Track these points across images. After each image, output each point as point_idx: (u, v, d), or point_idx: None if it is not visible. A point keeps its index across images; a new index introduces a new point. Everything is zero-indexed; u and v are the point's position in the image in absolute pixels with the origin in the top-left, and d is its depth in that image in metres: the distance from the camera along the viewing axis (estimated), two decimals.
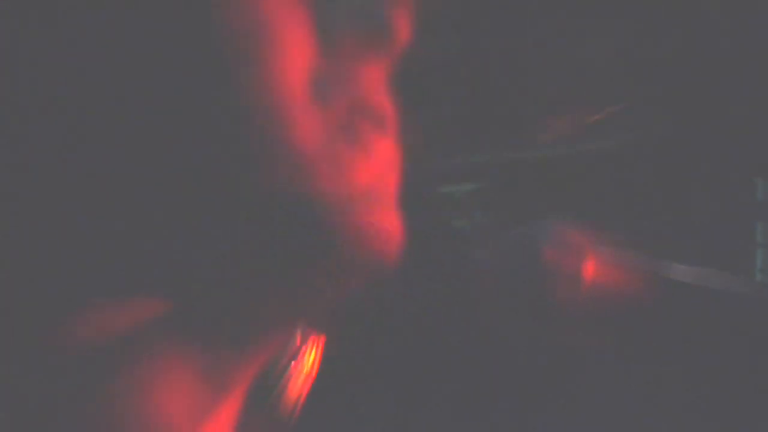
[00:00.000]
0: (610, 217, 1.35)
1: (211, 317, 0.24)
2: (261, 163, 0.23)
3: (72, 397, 0.24)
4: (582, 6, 1.42)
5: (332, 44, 0.25)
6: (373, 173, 0.25)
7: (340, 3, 0.25)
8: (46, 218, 0.22)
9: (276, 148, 0.23)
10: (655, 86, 1.53)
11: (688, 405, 1.28)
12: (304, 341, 1.19)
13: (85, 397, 0.24)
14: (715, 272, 1.41)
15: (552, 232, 1.25)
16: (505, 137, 1.46)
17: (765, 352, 1.35)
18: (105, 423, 0.25)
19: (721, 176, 1.53)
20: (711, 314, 1.31)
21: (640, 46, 1.54)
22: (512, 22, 1.38)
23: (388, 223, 0.26)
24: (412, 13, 0.29)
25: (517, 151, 1.49)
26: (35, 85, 0.22)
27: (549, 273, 1.23)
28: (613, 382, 1.28)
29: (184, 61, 0.22)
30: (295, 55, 0.24)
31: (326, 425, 1.17)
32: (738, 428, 1.30)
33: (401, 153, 0.28)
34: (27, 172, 0.22)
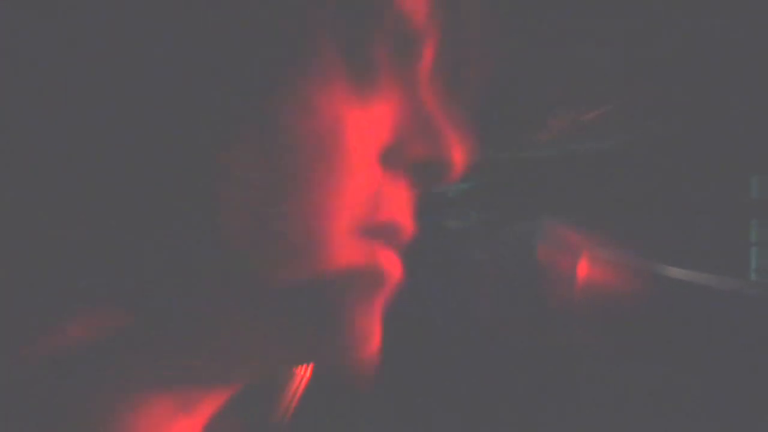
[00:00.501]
0: (606, 217, 1.35)
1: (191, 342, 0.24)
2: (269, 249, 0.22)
3: (43, 407, 0.24)
4: (579, 5, 1.42)
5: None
6: (370, 288, 0.25)
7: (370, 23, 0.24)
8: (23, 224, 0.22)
9: (291, 245, 0.22)
10: (650, 85, 1.53)
11: (684, 403, 1.29)
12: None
13: (54, 410, 0.24)
14: (709, 271, 1.41)
15: (547, 231, 1.25)
16: (501, 136, 1.46)
17: (760, 351, 1.36)
18: None
19: (716, 174, 1.53)
20: (705, 313, 1.31)
21: (635, 45, 1.54)
22: (508, 22, 1.37)
23: (385, 260, 0.26)
24: (439, 29, 0.28)
25: (513, 151, 1.49)
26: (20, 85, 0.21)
27: (544, 272, 1.23)
28: (609, 381, 1.29)
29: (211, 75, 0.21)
30: (324, 83, 0.23)
31: (323, 424, 1.18)
32: (735, 427, 1.30)
33: (410, 201, 0.27)
34: None
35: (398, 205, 0.26)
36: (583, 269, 1.21)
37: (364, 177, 0.24)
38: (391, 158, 0.25)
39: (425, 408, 1.31)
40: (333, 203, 0.23)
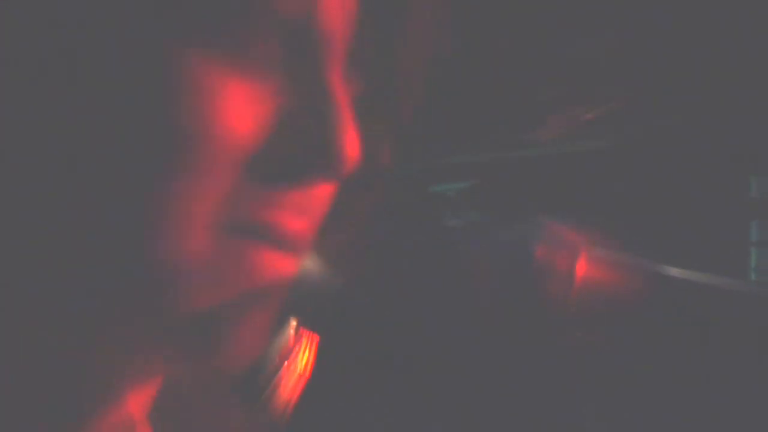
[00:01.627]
0: (604, 216, 1.35)
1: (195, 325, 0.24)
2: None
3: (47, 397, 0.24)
4: (578, 3, 1.42)
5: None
6: (250, 292, 0.24)
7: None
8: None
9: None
10: (650, 85, 1.53)
11: (682, 402, 1.28)
12: (297, 341, 1.19)
13: (60, 399, 0.24)
14: (709, 271, 1.41)
15: (545, 230, 1.25)
16: (499, 136, 1.46)
17: (759, 350, 1.35)
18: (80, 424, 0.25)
19: (715, 174, 1.53)
20: (705, 313, 1.31)
21: (635, 44, 1.54)
22: (505, 20, 1.37)
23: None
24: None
25: (511, 150, 1.49)
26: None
27: (542, 271, 1.23)
28: (606, 379, 1.28)
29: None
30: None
31: (320, 424, 1.17)
32: (734, 426, 1.30)
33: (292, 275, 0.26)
34: None
35: (277, 205, 0.25)
36: (581, 268, 1.21)
37: (235, 173, 0.24)
38: (261, 160, 0.24)
39: (421, 407, 1.31)
40: (199, 194, 0.23)
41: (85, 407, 0.27)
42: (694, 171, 1.50)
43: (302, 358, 1.18)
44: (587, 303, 1.20)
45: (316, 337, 1.18)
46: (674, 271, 1.32)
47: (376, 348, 1.33)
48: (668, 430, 1.32)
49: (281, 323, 1.07)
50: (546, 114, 1.55)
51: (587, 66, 1.49)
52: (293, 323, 1.18)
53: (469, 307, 1.26)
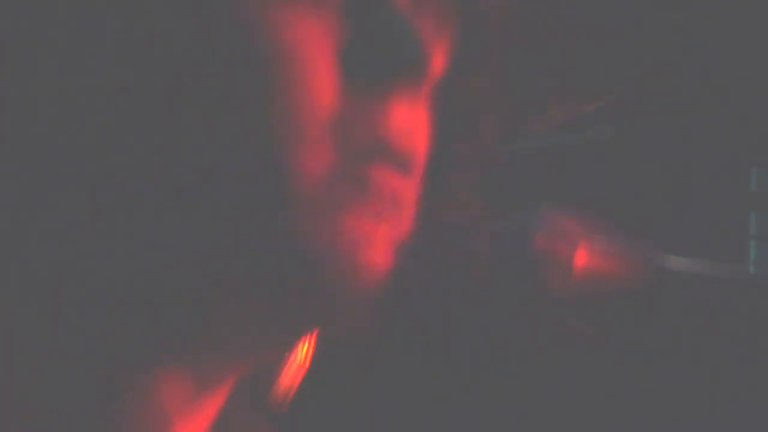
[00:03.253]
0: (605, 206, 1.35)
1: (204, 318, 0.24)
2: (266, 182, 0.22)
3: (66, 395, 0.23)
4: None
5: (361, 75, 0.23)
6: (374, 213, 0.24)
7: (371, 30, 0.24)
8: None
9: (283, 173, 0.22)
10: (650, 77, 1.53)
11: (681, 392, 1.29)
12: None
13: (79, 394, 0.24)
14: (708, 263, 1.41)
15: (545, 220, 1.25)
16: (500, 127, 1.46)
17: (758, 343, 1.36)
18: (96, 420, 0.24)
19: (716, 167, 1.53)
20: (704, 305, 1.31)
21: (635, 36, 1.54)
22: (504, 10, 1.36)
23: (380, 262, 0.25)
24: (450, 44, 0.27)
25: (512, 141, 1.49)
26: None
27: (542, 261, 1.23)
28: (606, 370, 1.29)
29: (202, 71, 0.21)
30: (318, 84, 0.22)
31: (320, 416, 1.17)
32: (732, 419, 1.30)
33: (414, 195, 0.26)
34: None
35: (384, 118, 0.25)
36: (581, 258, 1.21)
37: (334, 91, 0.24)
38: (358, 72, 0.25)
39: (418, 398, 1.31)
40: (306, 121, 0.23)
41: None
42: (695, 163, 1.50)
43: (302, 349, 1.19)
44: (587, 293, 1.21)
45: (317, 330, 1.19)
46: (674, 262, 1.32)
47: (377, 339, 1.33)
48: (666, 419, 1.33)
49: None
50: (547, 105, 1.55)
51: (589, 57, 1.49)
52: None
53: (470, 297, 1.26)
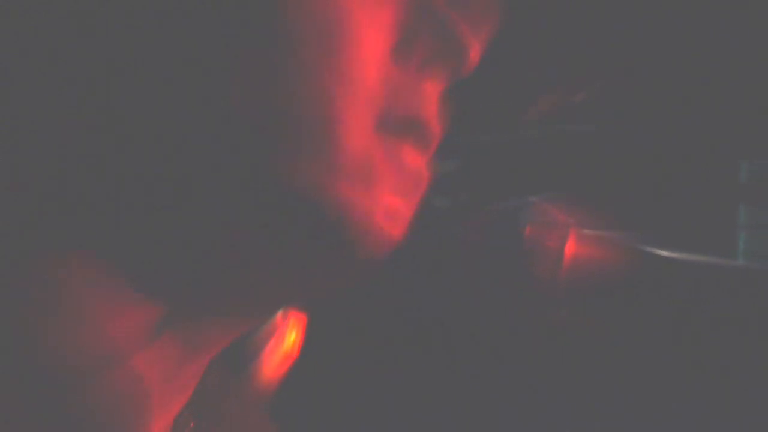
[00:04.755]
0: (594, 197, 1.35)
1: (195, 286, 0.25)
2: (282, 147, 0.22)
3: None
4: None
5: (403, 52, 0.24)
6: (398, 189, 0.26)
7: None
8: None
9: (306, 138, 0.22)
10: (640, 67, 1.53)
11: (671, 382, 1.29)
12: (285, 318, 1.16)
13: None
14: (697, 254, 1.42)
15: (535, 210, 1.24)
16: (489, 116, 1.46)
17: (746, 335, 1.36)
18: (81, 384, 0.24)
19: (706, 158, 1.54)
20: (693, 296, 1.32)
21: (624, 26, 1.54)
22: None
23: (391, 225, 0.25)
24: (487, 33, 0.28)
25: (501, 130, 1.49)
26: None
27: (531, 250, 1.22)
28: (595, 360, 1.29)
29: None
30: (366, 57, 0.23)
31: (305, 404, 1.16)
32: (723, 407, 1.31)
33: (430, 174, 0.27)
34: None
35: (419, 99, 0.26)
36: (570, 248, 1.21)
37: (378, 68, 0.24)
38: (403, 52, 0.25)
39: (407, 388, 1.31)
40: (349, 93, 0.23)
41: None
42: (685, 154, 1.51)
43: (290, 336, 1.18)
44: (576, 282, 1.21)
45: (305, 318, 1.18)
46: (663, 252, 1.32)
47: (367, 330, 1.33)
48: (654, 409, 1.33)
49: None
50: (536, 94, 1.55)
51: (577, 47, 1.49)
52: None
53: (458, 286, 1.26)
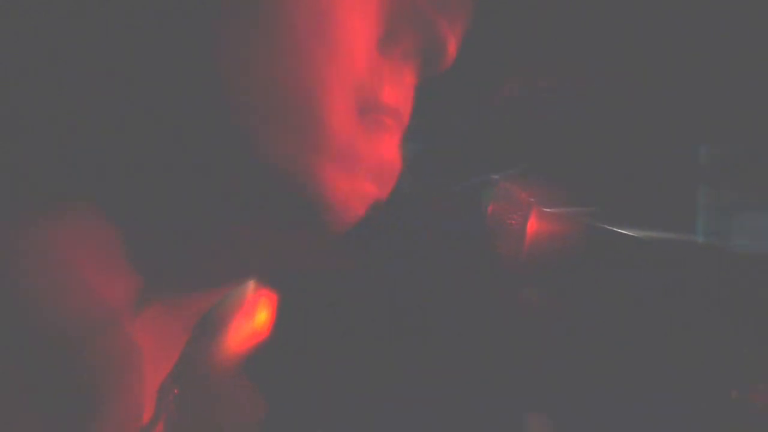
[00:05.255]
0: (556, 176, 1.37)
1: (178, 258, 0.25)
2: (270, 127, 0.23)
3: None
4: None
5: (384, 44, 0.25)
6: (375, 176, 0.26)
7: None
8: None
9: (293, 119, 0.23)
10: (601, 54, 1.55)
11: (626, 360, 1.32)
12: (255, 295, 1.17)
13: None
14: (657, 233, 1.45)
15: (497, 189, 1.27)
16: (454, 98, 1.47)
17: (703, 311, 1.40)
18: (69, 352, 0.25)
19: (666, 140, 1.57)
20: (652, 272, 1.35)
21: (590, 14, 1.56)
22: None
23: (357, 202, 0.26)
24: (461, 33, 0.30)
25: (466, 112, 1.50)
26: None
27: (494, 228, 1.24)
28: (554, 337, 1.31)
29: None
30: (352, 48, 0.24)
31: (283, 382, 1.17)
32: (685, 382, 1.35)
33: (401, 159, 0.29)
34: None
35: (398, 90, 0.29)
36: (532, 225, 1.23)
37: (364, 57, 0.26)
38: (386, 45, 0.27)
39: (374, 372, 1.32)
40: (335, 79, 0.25)
41: None
42: (646, 136, 1.54)
43: (260, 316, 1.19)
44: (539, 259, 1.23)
45: (275, 296, 1.19)
46: (623, 230, 1.35)
47: (337, 312, 1.34)
48: (618, 386, 1.36)
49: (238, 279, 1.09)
50: (502, 78, 1.56)
51: (543, 32, 1.50)
52: (251, 282, 1.18)
53: (420, 267, 1.27)
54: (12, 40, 0.22)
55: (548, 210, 1.29)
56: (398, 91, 0.28)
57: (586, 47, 1.54)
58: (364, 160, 0.27)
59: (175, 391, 0.40)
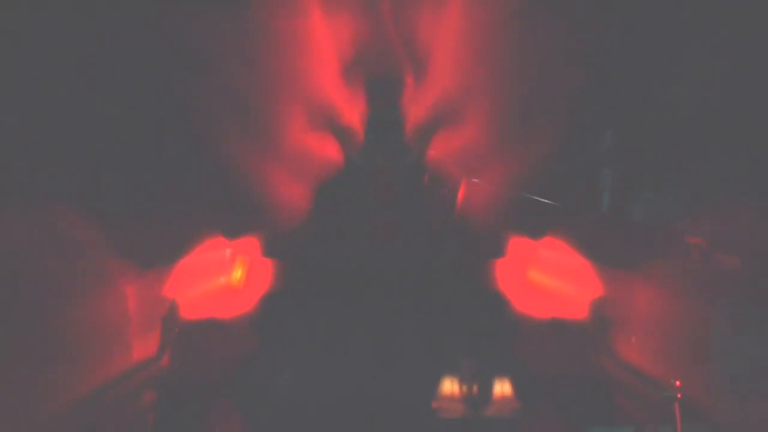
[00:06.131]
0: (480, 152, 1.57)
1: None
2: (231, 131, 0.29)
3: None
4: None
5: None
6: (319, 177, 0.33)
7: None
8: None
9: (251, 126, 0.29)
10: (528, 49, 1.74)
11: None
12: (231, 256, 1.40)
13: None
14: (568, 206, 1.68)
15: (431, 164, 1.46)
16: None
17: (607, 269, 1.63)
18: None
19: (575, 128, 1.79)
20: (563, 234, 1.57)
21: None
22: None
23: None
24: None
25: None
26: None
27: (429, 196, 1.45)
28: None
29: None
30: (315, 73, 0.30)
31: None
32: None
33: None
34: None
35: (353, 113, 0.37)
36: (461, 194, 1.43)
37: (324, 83, 0.34)
38: (351, 70, 0.36)
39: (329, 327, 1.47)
40: (293, 97, 0.33)
41: None
42: (558, 123, 1.75)
43: (236, 273, 1.35)
44: (465, 222, 1.43)
45: (249, 257, 1.35)
46: (537, 200, 1.57)
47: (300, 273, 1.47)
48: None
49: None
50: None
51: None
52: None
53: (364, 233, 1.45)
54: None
55: (475, 181, 1.50)
56: (353, 114, 0.31)
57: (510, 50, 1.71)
58: (310, 167, 0.30)
59: (176, 330, 0.49)
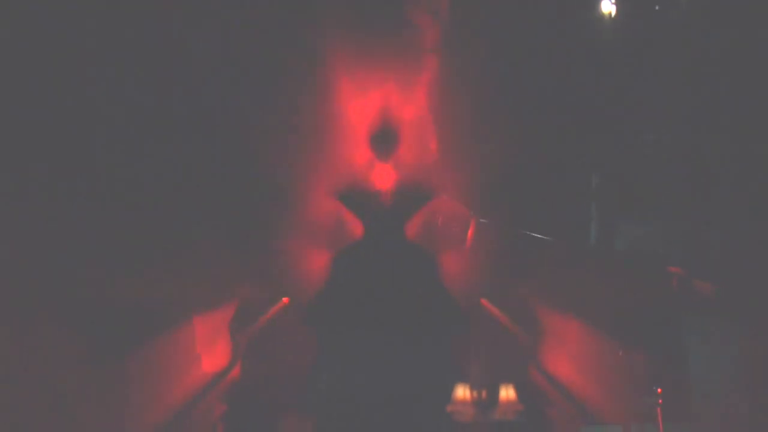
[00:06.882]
0: (485, 198, 1.86)
1: None
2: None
3: None
4: None
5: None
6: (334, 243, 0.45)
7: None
8: None
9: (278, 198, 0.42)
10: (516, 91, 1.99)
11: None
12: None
13: None
14: (561, 238, 1.96)
15: (445, 206, 1.76)
16: None
17: (593, 295, 1.89)
18: None
19: (565, 171, 2.07)
20: (556, 263, 1.84)
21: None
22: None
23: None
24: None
25: None
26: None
27: (443, 233, 1.75)
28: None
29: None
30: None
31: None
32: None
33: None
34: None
35: (376, 189, 0.50)
36: (470, 232, 1.73)
37: (351, 158, 0.50)
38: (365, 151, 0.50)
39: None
40: (315, 169, 0.48)
41: None
42: (548, 165, 2.02)
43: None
44: (474, 252, 1.73)
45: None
46: (535, 235, 1.85)
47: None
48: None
49: None
50: None
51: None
52: None
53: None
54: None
55: (482, 220, 1.81)
56: (375, 190, 0.42)
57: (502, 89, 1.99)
58: (326, 229, 0.41)
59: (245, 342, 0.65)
